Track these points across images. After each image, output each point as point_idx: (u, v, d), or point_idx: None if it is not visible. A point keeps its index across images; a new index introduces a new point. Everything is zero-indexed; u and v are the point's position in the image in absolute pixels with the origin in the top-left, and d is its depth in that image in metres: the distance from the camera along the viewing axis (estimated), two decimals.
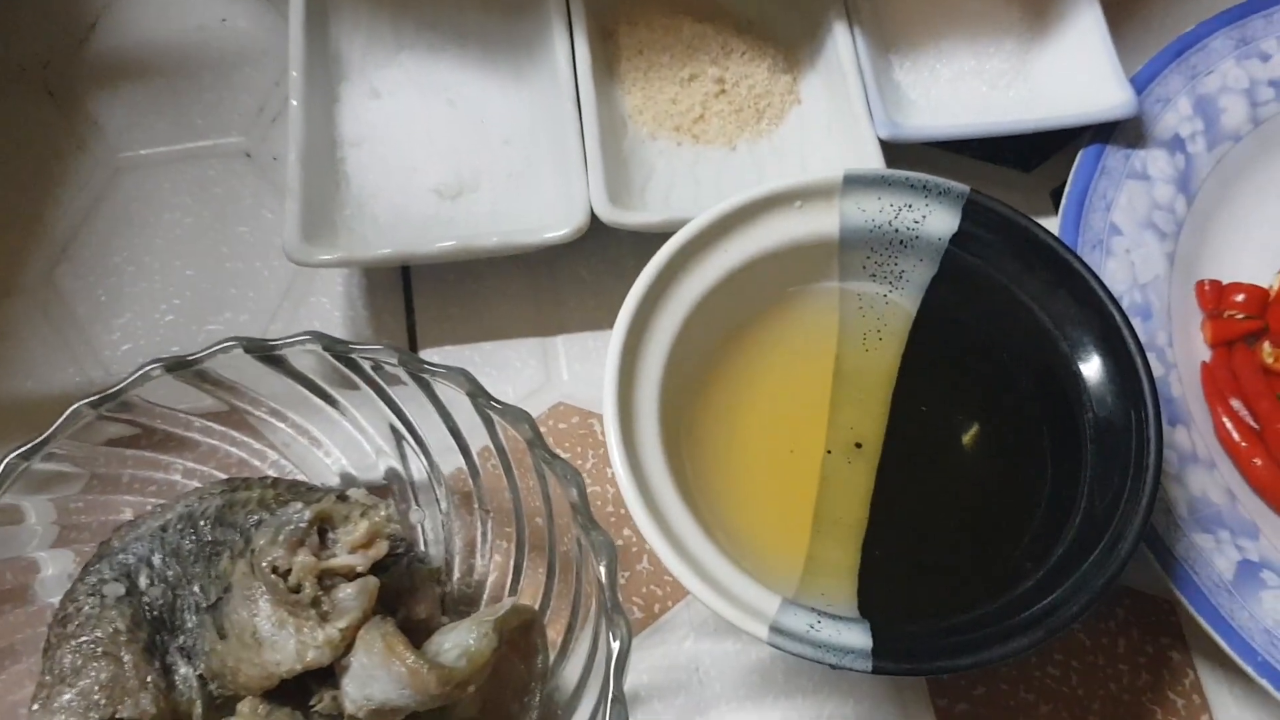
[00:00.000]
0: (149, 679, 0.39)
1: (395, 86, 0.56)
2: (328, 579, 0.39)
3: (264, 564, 0.38)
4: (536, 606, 0.44)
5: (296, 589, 0.38)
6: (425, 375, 0.42)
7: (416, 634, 0.40)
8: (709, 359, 0.46)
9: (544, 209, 0.53)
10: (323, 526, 0.40)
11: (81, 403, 0.41)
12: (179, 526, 0.42)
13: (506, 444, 0.43)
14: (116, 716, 0.38)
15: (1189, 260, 0.54)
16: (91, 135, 0.59)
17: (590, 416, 0.52)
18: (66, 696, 0.38)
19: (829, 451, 0.45)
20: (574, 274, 0.55)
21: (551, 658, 0.43)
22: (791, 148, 0.56)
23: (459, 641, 0.39)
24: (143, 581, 0.41)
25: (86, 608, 0.40)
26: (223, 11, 0.63)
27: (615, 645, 0.37)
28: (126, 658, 0.39)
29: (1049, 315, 0.44)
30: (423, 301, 0.55)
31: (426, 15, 0.59)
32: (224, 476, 0.46)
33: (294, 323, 0.53)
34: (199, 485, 0.45)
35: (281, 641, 0.38)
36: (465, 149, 0.55)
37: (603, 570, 0.38)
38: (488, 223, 0.53)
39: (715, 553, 0.39)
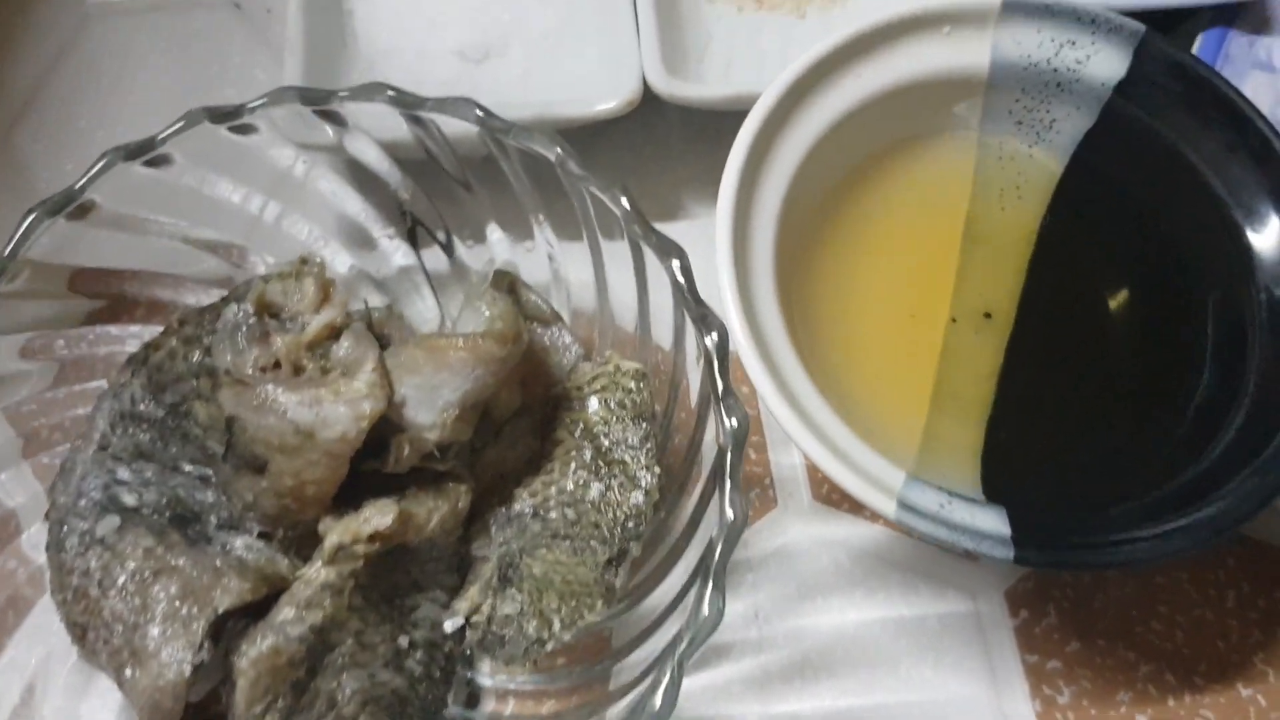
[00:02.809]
0: (218, 563, 0.35)
1: None
2: (316, 350, 0.37)
3: (249, 371, 0.35)
4: None
5: (299, 372, 0.36)
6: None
7: None
8: (826, 204, 0.42)
9: (585, 77, 0.47)
10: (270, 313, 0.37)
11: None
12: (118, 431, 0.38)
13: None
14: (219, 613, 0.34)
15: None
16: None
17: None
18: (155, 631, 0.34)
19: (953, 319, 0.41)
20: (614, 158, 0.49)
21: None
22: (871, 17, 0.49)
23: (473, 321, 0.37)
24: (129, 499, 0.37)
25: (94, 562, 0.35)
26: None
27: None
28: (180, 562, 0.35)
29: (1222, 181, 0.40)
30: None
31: None
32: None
33: (292, 201, 0.47)
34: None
35: (330, 414, 0.34)
36: (493, 2, 0.49)
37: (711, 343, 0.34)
38: (518, 91, 0.48)
39: (835, 419, 0.36)
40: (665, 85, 0.44)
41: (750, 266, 0.38)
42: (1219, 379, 0.39)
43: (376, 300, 0.44)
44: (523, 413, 0.40)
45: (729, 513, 0.32)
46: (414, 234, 0.43)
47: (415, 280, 0.44)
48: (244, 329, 0.36)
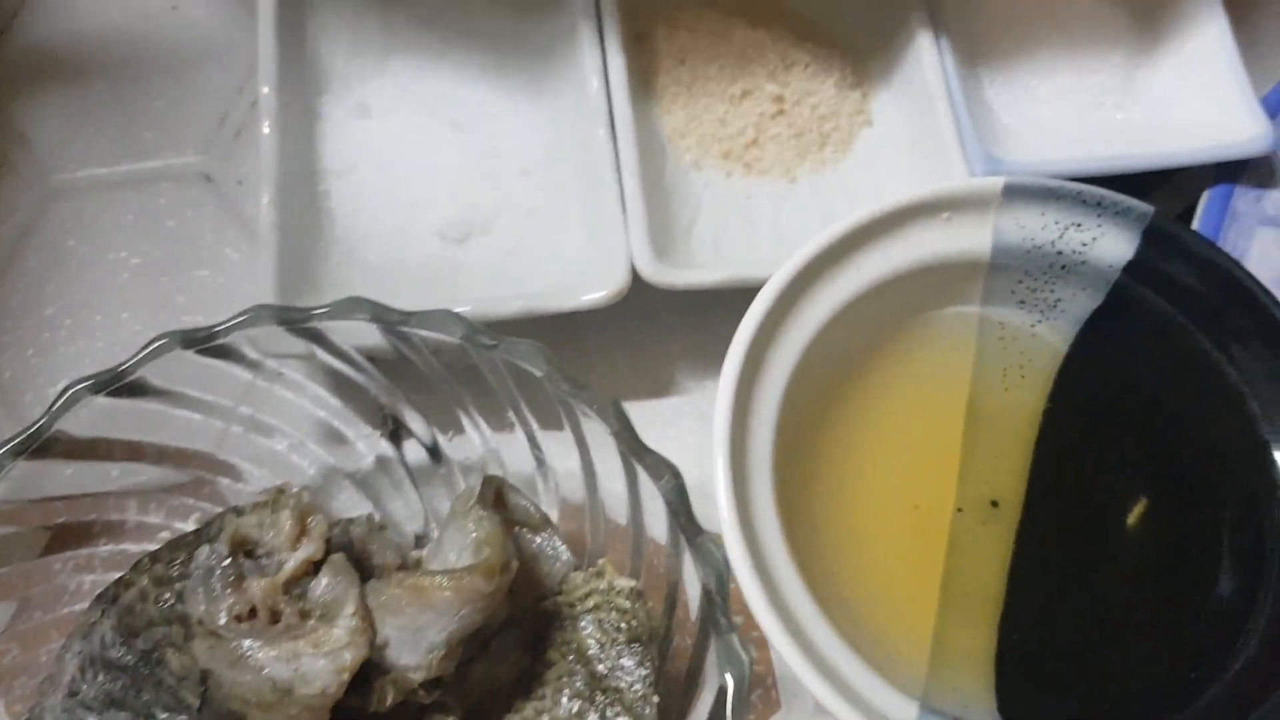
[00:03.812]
0: None
1: (388, 102, 0.49)
2: (294, 589, 0.35)
3: (222, 622, 0.34)
4: None
5: (276, 617, 0.35)
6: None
7: None
8: (825, 395, 0.41)
9: (571, 256, 0.46)
10: (245, 549, 0.36)
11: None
12: (88, 676, 0.36)
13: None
14: None
15: None
16: (16, 152, 0.51)
17: None
18: None
19: (959, 510, 0.40)
20: (602, 335, 0.48)
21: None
22: (862, 180, 0.49)
23: (459, 541, 0.36)
24: None
25: None
26: None
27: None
28: None
29: (1238, 370, 0.39)
30: None
31: (422, 10, 0.51)
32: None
33: (264, 405, 0.45)
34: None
35: (308, 669, 0.33)
36: (474, 181, 0.48)
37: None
38: (502, 271, 0.47)
39: (842, 646, 0.35)
40: (655, 273, 0.43)
41: (748, 474, 0.37)
42: (1236, 584, 0.38)
43: (355, 500, 0.43)
44: (512, 624, 0.39)
45: None
46: (396, 435, 0.42)
47: (395, 477, 0.43)
48: (218, 573, 0.35)
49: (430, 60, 0.49)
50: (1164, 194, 0.51)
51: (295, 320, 0.36)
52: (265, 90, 0.45)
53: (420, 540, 0.43)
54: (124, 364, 0.36)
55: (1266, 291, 0.39)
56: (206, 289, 0.49)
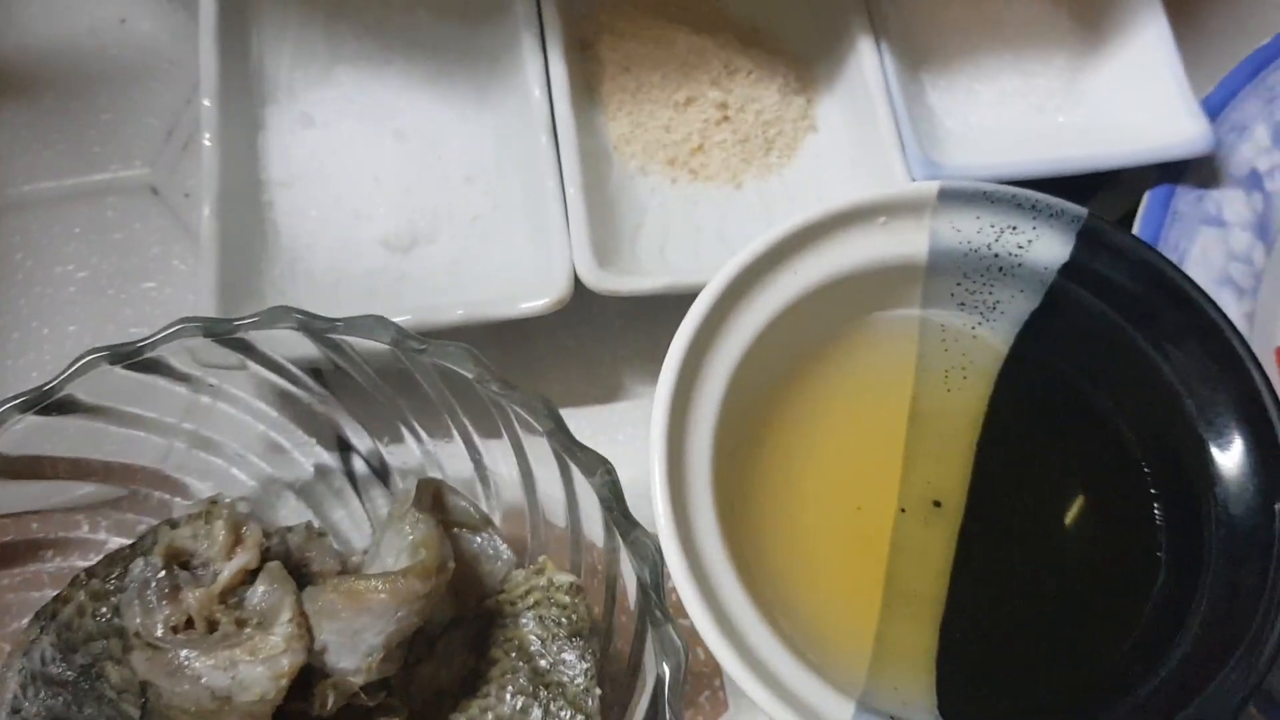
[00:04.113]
0: None
1: (332, 112, 0.49)
2: (230, 598, 0.36)
3: (159, 633, 0.35)
4: None
5: (213, 627, 0.35)
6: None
7: None
8: (768, 397, 0.41)
9: (516, 262, 0.47)
10: (180, 561, 0.37)
11: None
12: (29, 694, 0.37)
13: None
14: None
15: (1269, 321, 0.48)
16: None
17: None
18: None
19: (902, 510, 0.40)
20: (552, 338, 0.49)
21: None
22: (807, 185, 0.50)
23: (396, 544, 0.37)
24: None
25: None
26: (121, 10, 0.55)
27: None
28: None
29: (1174, 368, 0.40)
30: None
31: (367, 20, 0.51)
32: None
33: (204, 419, 0.45)
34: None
35: (246, 677, 0.34)
36: (419, 190, 0.48)
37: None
38: (448, 278, 0.47)
39: (780, 648, 0.35)
40: (597, 280, 0.43)
41: (687, 477, 0.37)
42: (1171, 580, 0.38)
43: (299, 510, 0.43)
44: (457, 625, 0.39)
45: None
46: (337, 443, 0.42)
47: (336, 486, 0.43)
48: (153, 584, 0.35)
49: (374, 70, 0.50)
50: (1108, 196, 0.52)
51: (222, 332, 0.37)
52: (206, 102, 0.45)
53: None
54: (51, 382, 0.36)
55: (1200, 290, 0.39)
56: (154, 301, 0.49)
